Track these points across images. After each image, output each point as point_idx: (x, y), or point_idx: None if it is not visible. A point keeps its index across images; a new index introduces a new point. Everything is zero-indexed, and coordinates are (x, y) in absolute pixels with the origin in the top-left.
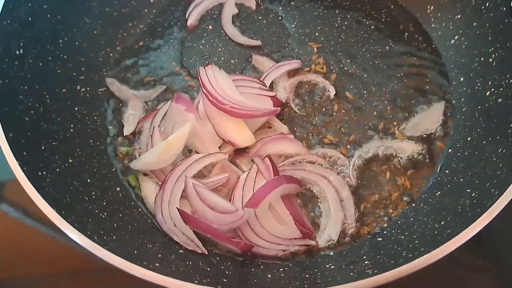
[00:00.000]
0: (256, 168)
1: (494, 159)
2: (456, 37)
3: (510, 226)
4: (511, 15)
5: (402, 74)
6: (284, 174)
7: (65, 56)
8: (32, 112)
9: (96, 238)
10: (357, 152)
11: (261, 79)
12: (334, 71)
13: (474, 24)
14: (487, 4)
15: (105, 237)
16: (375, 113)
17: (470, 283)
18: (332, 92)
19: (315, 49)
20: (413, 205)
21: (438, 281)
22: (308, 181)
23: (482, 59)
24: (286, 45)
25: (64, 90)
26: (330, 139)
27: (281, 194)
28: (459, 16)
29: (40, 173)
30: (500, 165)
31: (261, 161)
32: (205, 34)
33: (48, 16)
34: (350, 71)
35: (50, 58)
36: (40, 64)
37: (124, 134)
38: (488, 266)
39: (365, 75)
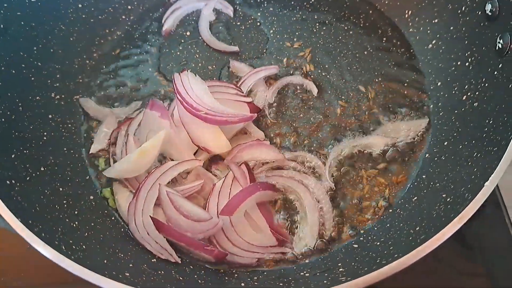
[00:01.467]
0: (232, 175)
1: (469, 163)
2: (434, 41)
3: (502, 231)
4: (487, 19)
5: (380, 78)
6: (260, 180)
7: (39, 63)
8: (3, 119)
9: (63, 248)
10: (332, 154)
11: (238, 85)
12: (312, 75)
13: (451, 28)
14: (463, 8)
15: (74, 247)
16: (353, 118)
17: None
18: (314, 90)
19: (294, 54)
20: (390, 210)
21: (430, 287)
22: (285, 187)
23: (459, 63)
24: (265, 50)
25: (38, 98)
26: (306, 144)
27: (257, 201)
28: (436, 21)
29: (8, 182)
30: (475, 169)
31: (237, 168)
32: (182, 40)
33: (22, 23)
34: (328, 76)
35: (23, 65)
36: (13, 71)
37: (90, 152)
38: (480, 271)
39: (343, 80)
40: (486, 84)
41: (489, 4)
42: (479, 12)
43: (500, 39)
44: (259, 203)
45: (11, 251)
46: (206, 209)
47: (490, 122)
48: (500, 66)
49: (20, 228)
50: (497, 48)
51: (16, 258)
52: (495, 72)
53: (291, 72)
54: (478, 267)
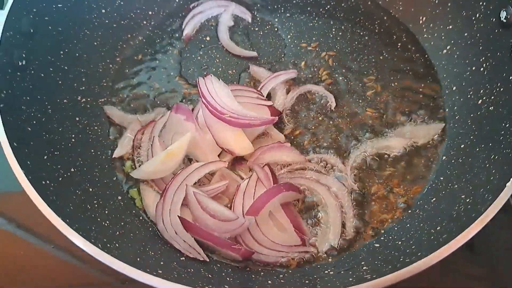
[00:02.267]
0: (256, 176)
1: (487, 165)
2: (448, 47)
3: (504, 234)
4: (501, 25)
5: (396, 83)
6: (283, 182)
7: (65, 67)
8: (34, 122)
9: (100, 246)
10: (352, 156)
11: (259, 89)
12: (329, 79)
13: (465, 34)
14: (477, 15)
15: (108, 245)
16: (370, 121)
17: None
18: (332, 102)
19: (311, 57)
20: (409, 211)
21: None
22: (307, 188)
23: (473, 68)
24: (283, 55)
25: (65, 101)
26: (326, 146)
27: (280, 202)
28: (450, 27)
29: (44, 182)
30: (493, 171)
31: (261, 169)
32: (202, 45)
33: (49, 27)
34: (345, 79)
35: (51, 69)
36: (42, 75)
37: (113, 156)
38: (483, 274)
39: (360, 84)
40: (501, 89)
41: (504, 12)
42: (494, 19)
43: None
44: (283, 203)
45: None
46: (232, 209)
47: (506, 125)
48: None
49: (62, 226)
50: (511, 54)
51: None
52: (510, 77)
53: (310, 76)
54: (483, 270)
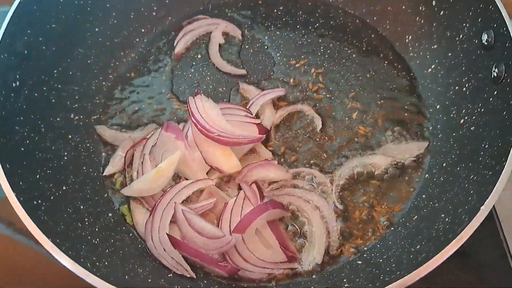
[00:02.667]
0: (243, 194)
1: (467, 185)
2: (433, 66)
3: (494, 245)
4: (483, 47)
5: (382, 101)
6: (269, 199)
7: (59, 86)
8: (27, 142)
9: (89, 265)
10: (337, 173)
11: (247, 107)
12: (317, 96)
13: (449, 54)
14: (461, 36)
15: (97, 264)
16: (356, 139)
17: None
18: (319, 124)
19: (299, 74)
20: (392, 228)
21: None
22: (293, 205)
23: (456, 88)
24: (272, 73)
25: (58, 119)
26: (312, 163)
27: (267, 219)
28: (435, 46)
29: (35, 202)
30: (471, 191)
31: (248, 187)
32: (194, 63)
33: (44, 48)
34: (332, 97)
35: (45, 88)
36: (36, 94)
37: (103, 174)
38: (474, 282)
39: (347, 102)
40: (482, 110)
41: (485, 34)
42: (476, 41)
43: (495, 68)
44: (269, 220)
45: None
46: (219, 226)
47: (486, 146)
48: (495, 93)
49: (50, 247)
50: (492, 76)
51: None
52: (491, 99)
53: (298, 93)
54: (472, 278)
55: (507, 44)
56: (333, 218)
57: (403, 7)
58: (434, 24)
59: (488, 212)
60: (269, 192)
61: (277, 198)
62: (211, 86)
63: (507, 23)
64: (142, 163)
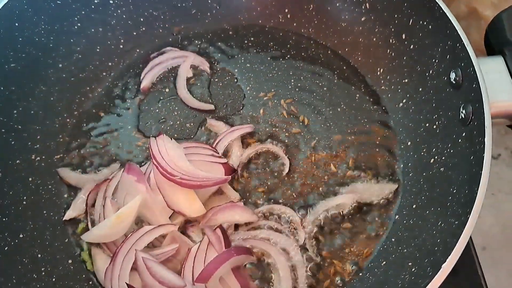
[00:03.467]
0: (207, 240)
1: (434, 232)
2: (404, 100)
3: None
4: (451, 86)
5: (353, 136)
6: (234, 243)
7: (19, 126)
8: None
9: None
10: (307, 217)
11: (214, 144)
12: (286, 133)
13: (420, 89)
14: (430, 72)
15: None
16: (325, 177)
17: None
18: (286, 167)
19: (270, 110)
20: (360, 274)
21: None
22: (260, 249)
23: (427, 124)
24: (241, 107)
25: (17, 161)
26: (281, 203)
27: (231, 266)
28: (406, 80)
29: None
30: (438, 240)
31: (212, 232)
32: (161, 97)
33: (1, 88)
34: (302, 133)
35: (3, 130)
36: None
37: (64, 218)
38: None
39: (317, 138)
40: (451, 151)
41: (453, 73)
42: (445, 78)
43: (463, 109)
44: (234, 267)
45: None
46: (182, 274)
47: (454, 191)
48: (463, 134)
49: None
50: (460, 117)
51: None
52: (459, 140)
53: (267, 129)
54: None
55: (474, 85)
56: (301, 263)
57: (374, 39)
58: (405, 58)
59: (449, 270)
60: (235, 235)
61: (243, 243)
62: (178, 122)
63: (473, 64)
64: (103, 207)
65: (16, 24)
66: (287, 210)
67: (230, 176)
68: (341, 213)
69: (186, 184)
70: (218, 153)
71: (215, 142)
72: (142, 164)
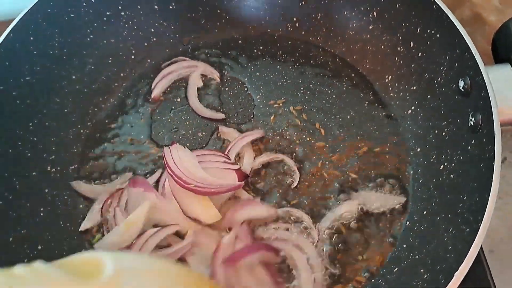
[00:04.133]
0: (234, 234)
1: (445, 239)
2: (413, 107)
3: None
4: (460, 93)
5: (362, 144)
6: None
7: (35, 139)
8: (0, 202)
9: None
10: (321, 225)
11: (226, 151)
12: (297, 141)
13: (428, 96)
14: (439, 79)
15: None
16: (336, 184)
17: None
18: (296, 180)
19: (280, 117)
20: (373, 280)
21: None
22: (284, 251)
23: (436, 131)
24: (252, 115)
25: (34, 173)
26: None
27: (260, 260)
28: (414, 87)
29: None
30: (449, 247)
31: (240, 227)
32: (173, 107)
33: (18, 102)
34: (312, 140)
35: (19, 143)
36: (10, 151)
37: (80, 229)
38: None
39: (327, 145)
40: (461, 158)
41: (462, 81)
42: (454, 86)
43: (472, 117)
44: (264, 261)
45: None
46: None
47: (464, 198)
48: (473, 142)
49: None
50: (470, 124)
51: None
52: (469, 147)
53: (277, 137)
54: None
55: (482, 94)
56: (320, 267)
57: (382, 47)
58: (413, 66)
59: (462, 278)
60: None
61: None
62: (190, 131)
63: (482, 72)
64: (114, 217)
65: (31, 38)
66: (303, 214)
67: (243, 182)
68: (352, 221)
69: (201, 192)
70: (230, 159)
71: (227, 149)
72: (155, 171)
